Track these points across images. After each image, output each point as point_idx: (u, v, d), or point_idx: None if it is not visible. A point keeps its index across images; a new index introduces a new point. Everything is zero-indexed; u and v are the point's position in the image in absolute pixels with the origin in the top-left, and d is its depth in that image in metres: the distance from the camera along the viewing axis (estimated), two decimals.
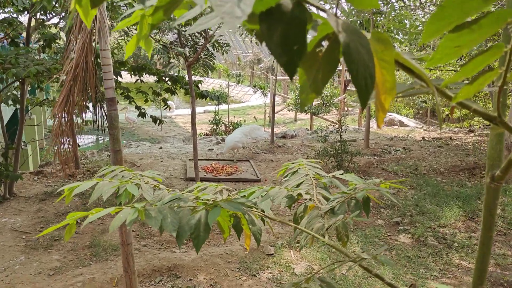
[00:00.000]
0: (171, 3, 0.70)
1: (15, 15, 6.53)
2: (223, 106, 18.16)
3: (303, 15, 0.63)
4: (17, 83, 6.50)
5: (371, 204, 1.52)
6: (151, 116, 6.74)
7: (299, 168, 1.97)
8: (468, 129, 13.16)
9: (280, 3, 0.61)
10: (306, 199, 1.71)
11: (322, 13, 0.69)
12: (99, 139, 15.28)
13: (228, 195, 1.66)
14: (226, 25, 0.54)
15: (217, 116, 15.90)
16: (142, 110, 6.67)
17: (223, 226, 1.45)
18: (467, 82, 0.71)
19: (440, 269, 4.60)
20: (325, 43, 0.70)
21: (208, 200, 1.43)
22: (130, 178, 1.70)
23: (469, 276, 4.46)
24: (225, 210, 1.36)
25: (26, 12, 6.45)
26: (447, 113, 15.38)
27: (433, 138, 11.70)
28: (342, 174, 1.81)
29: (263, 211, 1.52)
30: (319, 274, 1.55)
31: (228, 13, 0.55)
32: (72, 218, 1.27)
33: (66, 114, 3.85)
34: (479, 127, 13.45)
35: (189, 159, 8.46)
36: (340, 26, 0.65)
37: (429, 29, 0.62)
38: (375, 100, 0.71)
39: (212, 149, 10.04)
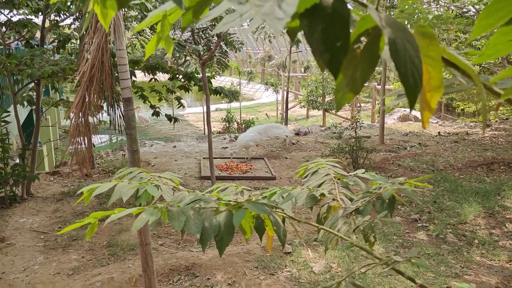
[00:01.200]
0: (201, 3, 0.67)
1: (29, 17, 6.60)
2: (235, 104, 18.16)
3: (345, 10, 0.59)
4: (32, 84, 6.57)
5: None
6: (166, 115, 6.76)
7: (318, 168, 1.93)
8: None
9: None
10: (328, 199, 1.67)
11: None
12: (113, 138, 15.40)
13: (249, 195, 1.63)
14: (269, 28, 0.50)
15: (229, 114, 15.89)
16: (157, 109, 6.69)
17: (245, 228, 1.42)
18: None
19: (461, 266, 4.52)
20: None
21: (229, 201, 1.40)
22: (149, 180, 1.69)
23: (491, 274, 4.38)
24: (248, 211, 1.33)
25: (40, 13, 6.51)
26: (462, 107, 15.14)
27: (449, 133, 11.53)
28: (363, 173, 1.78)
29: (282, 210, 1.49)
30: (338, 273, 1.52)
31: (269, 14, 0.51)
32: (93, 217, 1.26)
33: (82, 114, 3.87)
34: (496, 121, 13.21)
35: (203, 158, 8.46)
36: (384, 21, 0.61)
37: (481, 23, 0.58)
38: (420, 99, 0.67)
39: (226, 147, 10.03)
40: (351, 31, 0.67)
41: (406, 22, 9.12)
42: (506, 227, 5.44)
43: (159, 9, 0.87)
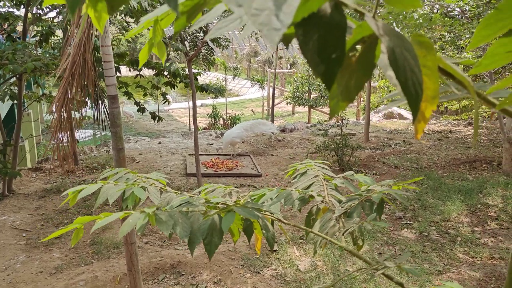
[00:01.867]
0: (195, 8, 0.65)
1: (11, 9, 6.44)
2: (221, 100, 18.08)
3: (342, 20, 0.57)
4: (13, 79, 6.42)
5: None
6: (151, 113, 6.69)
7: (308, 169, 1.92)
8: (467, 121, 13.14)
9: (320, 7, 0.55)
10: (317, 201, 1.67)
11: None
12: (96, 134, 15.20)
13: (238, 197, 1.62)
14: (265, 38, 0.48)
15: (215, 110, 15.82)
16: (142, 106, 6.61)
17: (234, 230, 1.41)
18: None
19: (444, 264, 4.59)
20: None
21: (218, 203, 1.39)
22: (135, 181, 1.66)
23: (473, 271, 4.45)
24: (237, 214, 1.32)
25: (22, 6, 6.36)
26: (446, 105, 15.35)
27: (432, 131, 11.68)
28: (352, 175, 1.78)
29: (271, 213, 1.48)
30: (323, 271, 1.51)
31: (266, 24, 0.49)
32: (79, 222, 1.23)
33: (64, 110, 3.79)
34: None
35: (189, 154, 8.41)
36: (381, 29, 0.60)
37: (480, 34, 0.57)
38: None
39: (212, 144, 9.99)
40: (346, 38, 0.65)
41: (393, 23, 9.20)
42: (488, 225, 5.54)
43: (150, 14, 0.85)
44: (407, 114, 14.76)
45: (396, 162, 8.14)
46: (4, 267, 4.40)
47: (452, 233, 5.29)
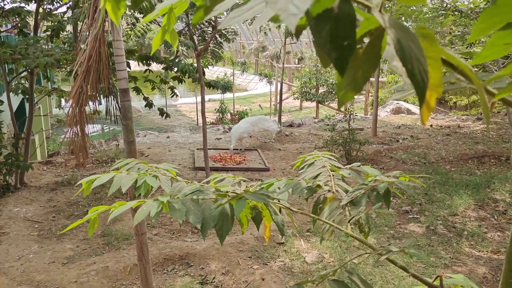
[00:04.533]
0: (215, 2, 0.69)
1: (22, 5, 6.52)
2: (229, 95, 18.11)
3: (351, 10, 0.62)
4: (24, 73, 6.52)
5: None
6: (159, 109, 6.75)
7: (315, 160, 1.96)
8: (476, 116, 13.07)
9: None
10: (324, 190, 1.70)
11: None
12: (105, 128, 15.32)
13: (247, 186, 1.66)
14: (284, 22, 0.53)
15: (223, 105, 15.87)
16: (150, 101, 6.67)
17: (242, 219, 1.45)
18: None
19: (450, 257, 4.61)
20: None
21: (227, 192, 1.43)
22: (147, 170, 1.71)
23: (480, 264, 4.48)
24: (246, 203, 1.36)
25: (33, 1, 6.44)
26: (454, 100, 15.27)
27: (441, 126, 11.64)
28: (359, 166, 1.81)
29: (279, 201, 1.52)
30: (330, 263, 1.55)
31: (284, 10, 0.54)
32: (94, 212, 1.28)
33: (78, 104, 3.86)
34: None
35: (197, 148, 8.48)
36: (387, 22, 0.64)
37: (479, 27, 0.62)
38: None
39: (220, 138, 10.05)
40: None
41: (402, 18, 9.16)
42: (495, 219, 5.54)
43: (166, 1, 0.89)
44: (415, 109, 14.71)
45: (404, 157, 8.15)
46: (17, 257, 4.51)
47: (459, 227, 5.31)
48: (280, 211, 1.51)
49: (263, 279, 4.07)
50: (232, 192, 1.40)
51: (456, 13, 8.42)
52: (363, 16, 0.70)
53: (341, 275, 1.29)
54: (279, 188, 1.62)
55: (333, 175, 1.76)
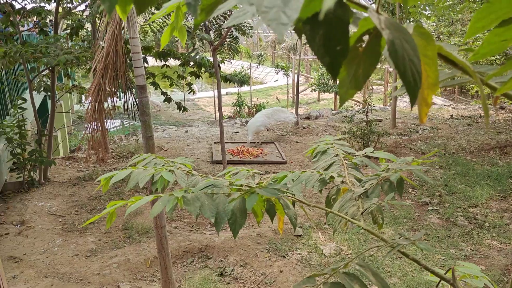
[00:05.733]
0: (213, 5, 0.72)
1: (42, 4, 6.66)
2: (245, 88, 18.15)
3: (345, 16, 0.63)
4: (46, 71, 6.68)
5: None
6: (176, 103, 6.83)
7: (328, 148, 1.94)
8: (498, 105, 12.76)
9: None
10: (337, 181, 1.70)
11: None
12: (125, 123, 15.57)
13: (260, 179, 1.68)
14: (274, 31, 0.55)
15: (240, 98, 15.92)
16: (168, 96, 6.75)
17: (257, 211, 1.47)
18: None
19: (471, 249, 4.56)
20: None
21: (241, 185, 1.46)
22: (163, 165, 1.75)
23: (501, 256, 4.42)
24: (259, 195, 1.38)
25: (53, 1, 6.57)
26: (476, 89, 14.93)
27: (462, 116, 11.43)
28: (372, 152, 1.79)
29: (293, 195, 1.53)
30: (348, 256, 1.57)
31: (274, 19, 0.56)
32: (112, 207, 1.33)
33: (97, 101, 3.95)
34: (511, 103, 13.01)
35: (215, 142, 8.55)
36: (383, 22, 0.66)
37: (475, 25, 0.63)
38: (418, 96, 0.72)
39: (237, 132, 10.10)
40: (355, 30, 0.72)
41: (421, 6, 8.99)
42: None
43: (173, 0, 0.93)
44: (435, 99, 14.45)
45: (423, 148, 8.05)
46: (43, 250, 4.66)
47: (480, 218, 5.24)
48: (293, 204, 1.53)
49: (281, 271, 4.11)
50: (246, 186, 1.43)
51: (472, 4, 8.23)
52: (364, 11, 0.71)
53: (354, 268, 1.31)
54: (292, 180, 1.63)
55: (346, 164, 1.75)
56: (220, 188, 1.43)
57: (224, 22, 6.05)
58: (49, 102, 7.27)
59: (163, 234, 3.38)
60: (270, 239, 4.72)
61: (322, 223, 5.15)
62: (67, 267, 4.31)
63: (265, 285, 3.99)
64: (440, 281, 1.26)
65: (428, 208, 5.62)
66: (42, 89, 6.62)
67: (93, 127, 3.86)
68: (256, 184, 1.50)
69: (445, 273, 1.23)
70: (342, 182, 1.67)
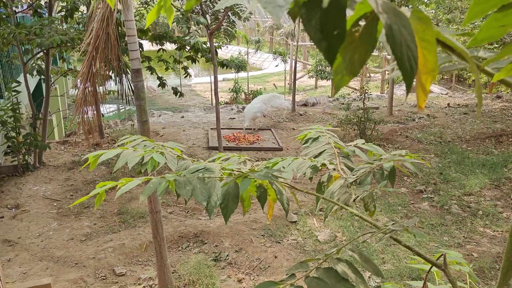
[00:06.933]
0: None
1: None
2: (243, 74, 18.03)
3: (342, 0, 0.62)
4: (40, 54, 6.59)
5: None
6: (172, 88, 6.78)
7: (319, 136, 1.93)
8: (495, 94, 12.77)
9: None
10: (329, 169, 1.69)
11: None
12: (120, 108, 15.49)
13: (252, 165, 1.67)
14: (270, 14, 0.54)
15: (236, 84, 15.83)
16: (163, 81, 6.70)
17: (245, 198, 1.43)
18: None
19: (464, 237, 4.61)
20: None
21: (232, 170, 1.44)
22: (153, 148, 1.71)
23: (494, 243, 4.46)
24: (252, 182, 1.36)
25: None
26: (473, 79, 14.90)
27: (458, 104, 11.43)
28: (363, 144, 1.79)
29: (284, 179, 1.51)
30: (343, 242, 1.57)
31: (270, 2, 0.54)
32: (101, 188, 1.31)
33: (89, 84, 3.91)
34: (507, 92, 13.02)
35: (211, 128, 8.52)
36: (380, 6, 0.64)
37: (473, 10, 0.61)
38: (416, 81, 0.70)
39: (234, 118, 10.07)
40: (351, 13, 0.70)
41: None
42: (511, 199, 5.49)
43: None
44: (432, 87, 14.43)
45: (419, 136, 8.06)
46: (38, 234, 4.67)
47: (474, 206, 5.28)
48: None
49: (275, 257, 4.14)
50: (237, 171, 1.41)
51: None
52: None
53: (347, 254, 1.31)
54: (283, 167, 1.62)
55: (337, 153, 1.74)
56: (212, 172, 1.41)
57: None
58: (44, 85, 7.19)
59: (158, 219, 3.38)
60: (265, 225, 4.74)
61: (316, 209, 5.17)
62: (62, 251, 4.31)
63: (260, 270, 4.02)
64: (431, 267, 1.27)
65: (423, 196, 5.65)
66: (36, 72, 6.54)
67: (84, 110, 3.82)
68: (248, 170, 1.48)
69: (437, 259, 1.23)
70: (334, 169, 1.66)
